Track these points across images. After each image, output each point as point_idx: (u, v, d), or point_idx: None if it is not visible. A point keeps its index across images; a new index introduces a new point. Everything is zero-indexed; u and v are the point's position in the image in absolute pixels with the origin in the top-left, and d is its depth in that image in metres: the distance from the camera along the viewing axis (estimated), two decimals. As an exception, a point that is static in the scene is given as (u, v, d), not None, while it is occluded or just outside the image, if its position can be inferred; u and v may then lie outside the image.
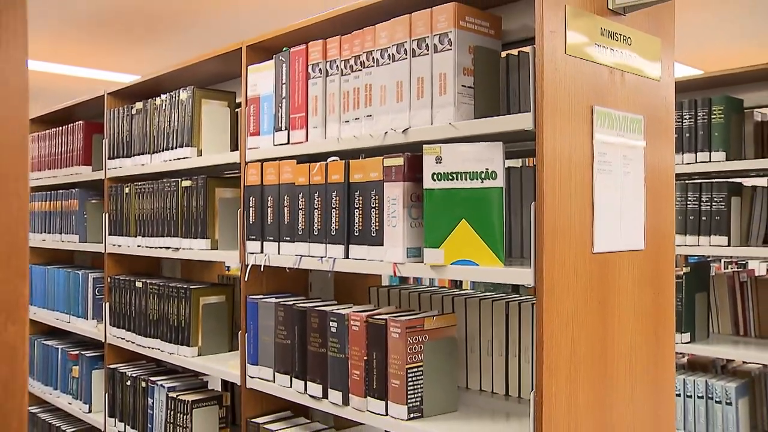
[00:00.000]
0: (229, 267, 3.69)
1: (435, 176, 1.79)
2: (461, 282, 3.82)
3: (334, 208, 2.05)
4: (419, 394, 1.88)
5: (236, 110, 2.81)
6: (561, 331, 1.61)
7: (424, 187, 1.81)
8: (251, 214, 2.36)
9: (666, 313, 1.98)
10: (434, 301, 2.27)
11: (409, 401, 1.86)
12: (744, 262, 4.95)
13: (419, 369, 1.88)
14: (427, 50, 1.83)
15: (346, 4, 2.04)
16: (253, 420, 2.38)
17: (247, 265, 2.37)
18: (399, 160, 1.88)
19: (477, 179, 1.74)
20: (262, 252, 2.32)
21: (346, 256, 2.03)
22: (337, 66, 2.10)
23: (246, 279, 2.37)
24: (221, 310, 2.78)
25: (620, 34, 1.80)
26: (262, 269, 2.34)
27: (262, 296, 2.37)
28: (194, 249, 2.65)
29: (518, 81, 2.01)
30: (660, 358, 1.95)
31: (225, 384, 3.13)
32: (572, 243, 1.65)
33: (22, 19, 0.86)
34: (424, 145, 1.81)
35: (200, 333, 2.72)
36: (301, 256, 2.17)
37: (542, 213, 1.58)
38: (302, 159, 2.22)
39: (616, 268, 1.78)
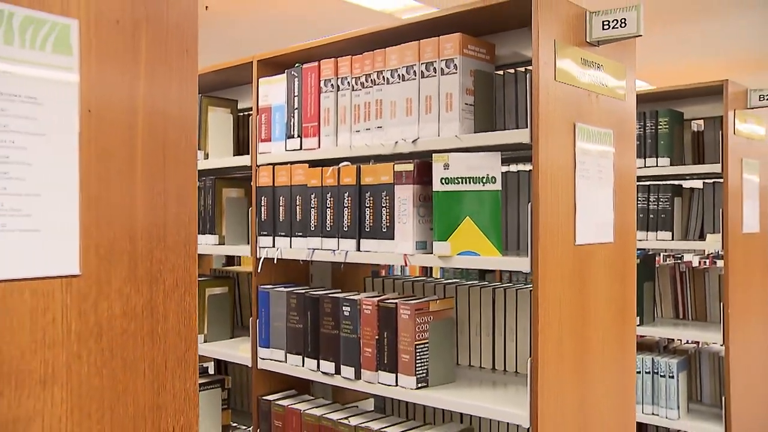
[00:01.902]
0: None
1: (443, 180, 2.10)
2: (431, 270, 4.15)
3: (346, 207, 2.34)
4: (425, 367, 2.19)
5: (239, 116, 3.06)
6: (552, 309, 1.95)
7: (434, 189, 2.12)
8: (263, 212, 2.62)
9: (628, 297, 2.35)
10: (427, 288, 2.58)
11: (417, 373, 2.17)
12: (680, 255, 5.45)
13: (425, 345, 2.19)
14: (435, 73, 2.14)
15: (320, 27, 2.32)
16: (264, 398, 2.65)
17: (260, 258, 2.63)
18: (409, 166, 2.18)
19: (479, 183, 2.06)
20: (273, 246, 2.58)
21: (358, 249, 2.32)
22: (348, 82, 2.38)
23: (259, 271, 2.63)
24: (224, 300, 3.03)
25: (595, 62, 2.15)
26: (275, 261, 2.61)
27: (272, 285, 2.64)
28: (203, 244, 2.88)
29: (503, 98, 2.33)
30: (624, 336, 2.31)
31: (219, 370, 3.38)
32: (559, 236, 1.99)
33: (194, 64, 1.13)
34: (433, 154, 2.12)
35: (206, 321, 2.96)
36: (314, 249, 2.44)
37: (537, 211, 1.91)
38: (313, 164, 2.49)
39: (592, 258, 2.13)
